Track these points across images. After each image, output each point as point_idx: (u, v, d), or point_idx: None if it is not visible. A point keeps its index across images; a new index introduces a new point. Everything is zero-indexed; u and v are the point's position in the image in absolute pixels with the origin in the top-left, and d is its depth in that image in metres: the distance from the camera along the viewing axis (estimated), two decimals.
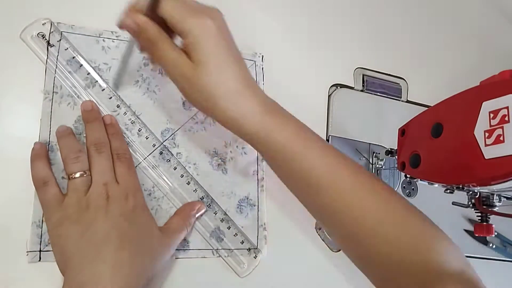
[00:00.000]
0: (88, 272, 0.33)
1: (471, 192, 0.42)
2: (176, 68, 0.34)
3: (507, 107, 0.33)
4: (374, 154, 0.54)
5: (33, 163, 0.37)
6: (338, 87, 0.55)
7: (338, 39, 0.56)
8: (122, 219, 0.36)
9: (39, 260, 0.37)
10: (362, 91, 0.56)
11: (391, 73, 0.58)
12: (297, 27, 0.54)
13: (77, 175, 0.36)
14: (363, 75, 0.56)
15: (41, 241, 0.37)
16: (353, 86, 0.55)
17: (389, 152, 0.49)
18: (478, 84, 0.37)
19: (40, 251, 0.37)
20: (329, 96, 0.54)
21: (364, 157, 0.53)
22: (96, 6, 0.44)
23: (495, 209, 0.41)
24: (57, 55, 0.41)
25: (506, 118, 0.32)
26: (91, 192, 0.36)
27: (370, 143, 0.54)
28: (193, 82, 0.34)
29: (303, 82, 0.52)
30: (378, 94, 0.56)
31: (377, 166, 0.53)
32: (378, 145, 0.54)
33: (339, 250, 0.49)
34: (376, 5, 0.60)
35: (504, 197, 0.41)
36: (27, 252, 0.37)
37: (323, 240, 0.48)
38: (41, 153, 0.38)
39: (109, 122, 0.41)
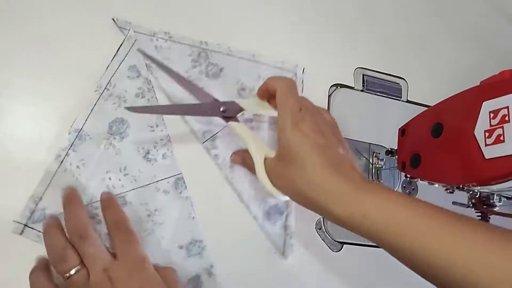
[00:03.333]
0: None
1: (471, 192, 0.42)
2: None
3: (507, 107, 0.33)
4: (374, 154, 0.54)
5: (33, 272, 0.35)
6: (338, 87, 0.55)
7: (338, 39, 0.56)
8: None
9: (21, 233, 0.37)
10: (362, 91, 0.56)
11: (391, 73, 0.58)
12: (297, 27, 0.54)
13: (72, 271, 0.33)
14: (363, 75, 0.56)
15: (30, 217, 0.38)
16: (353, 86, 0.55)
17: (389, 152, 0.49)
18: (478, 84, 0.37)
19: (25, 225, 0.37)
20: (329, 96, 0.54)
21: (364, 157, 0.53)
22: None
23: (495, 209, 0.41)
24: (124, 57, 0.43)
25: (506, 118, 0.32)
26: (92, 283, 0.33)
27: (370, 143, 0.54)
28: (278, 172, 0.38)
29: (303, 82, 0.52)
30: (378, 94, 0.56)
31: (377, 166, 0.53)
32: (378, 145, 0.54)
33: (339, 250, 0.49)
34: (376, 5, 0.60)
35: (505, 197, 0.41)
36: (13, 221, 0.37)
37: (323, 240, 0.48)
38: (44, 266, 0.36)
39: (104, 197, 0.39)
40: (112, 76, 0.42)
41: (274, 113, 0.41)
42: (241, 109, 0.42)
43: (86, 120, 0.41)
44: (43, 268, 0.36)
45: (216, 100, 0.42)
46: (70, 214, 0.36)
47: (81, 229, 0.35)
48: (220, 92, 0.46)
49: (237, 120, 0.42)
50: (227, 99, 0.44)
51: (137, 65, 0.43)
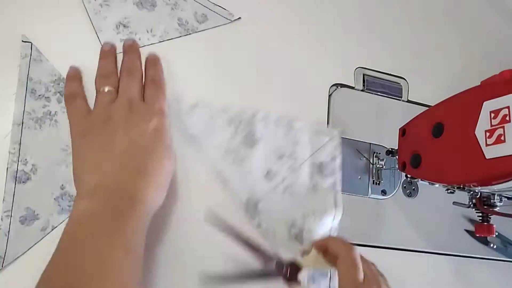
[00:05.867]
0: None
1: (472, 192, 0.42)
2: None
3: (508, 107, 0.33)
4: (375, 154, 0.54)
5: (68, 81, 0.40)
6: (339, 87, 0.55)
7: (338, 39, 0.56)
8: (141, 137, 0.37)
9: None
10: (362, 90, 0.56)
11: (391, 73, 0.58)
12: (297, 26, 0.54)
13: (106, 89, 0.38)
14: (364, 74, 0.56)
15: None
16: (353, 86, 0.55)
17: (390, 152, 0.49)
18: (479, 84, 0.37)
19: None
20: (329, 96, 0.54)
21: (365, 157, 0.53)
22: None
23: (496, 209, 0.41)
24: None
25: (507, 118, 0.32)
26: (115, 104, 0.38)
27: (370, 143, 0.54)
28: None
29: (304, 81, 0.52)
30: (379, 94, 0.56)
31: (378, 166, 0.53)
32: (378, 145, 0.54)
33: None
34: (376, 5, 0.60)
35: (505, 197, 0.41)
36: None
37: None
38: (76, 75, 0.40)
39: (152, 59, 0.43)
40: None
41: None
42: (299, 268, 0.42)
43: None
44: (78, 78, 0.40)
45: (278, 262, 0.42)
46: (128, 57, 0.42)
47: (133, 68, 0.41)
48: (259, 160, 0.45)
49: (298, 283, 0.42)
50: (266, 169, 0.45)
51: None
